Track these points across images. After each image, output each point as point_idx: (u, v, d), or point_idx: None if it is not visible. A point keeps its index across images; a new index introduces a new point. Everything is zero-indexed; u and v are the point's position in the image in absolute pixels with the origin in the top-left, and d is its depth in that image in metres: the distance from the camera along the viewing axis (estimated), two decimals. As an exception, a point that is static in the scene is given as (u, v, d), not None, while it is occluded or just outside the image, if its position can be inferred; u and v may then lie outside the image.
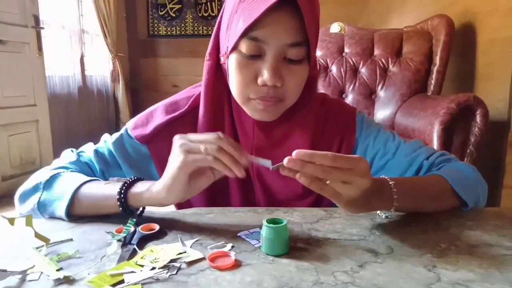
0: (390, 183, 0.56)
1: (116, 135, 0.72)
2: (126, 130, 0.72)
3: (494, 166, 1.62)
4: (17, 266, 0.44)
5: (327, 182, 0.48)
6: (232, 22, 0.62)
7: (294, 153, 0.47)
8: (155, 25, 4.26)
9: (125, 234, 0.52)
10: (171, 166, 0.55)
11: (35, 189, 0.62)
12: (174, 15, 4.23)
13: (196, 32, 4.24)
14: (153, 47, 4.29)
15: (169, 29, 4.25)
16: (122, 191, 0.57)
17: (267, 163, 0.53)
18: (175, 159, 0.54)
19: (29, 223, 0.51)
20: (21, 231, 0.55)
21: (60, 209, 0.59)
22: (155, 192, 0.56)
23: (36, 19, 2.55)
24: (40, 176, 0.64)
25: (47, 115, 2.73)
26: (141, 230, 0.54)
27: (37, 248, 0.49)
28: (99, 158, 0.70)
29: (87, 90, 3.60)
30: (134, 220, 0.56)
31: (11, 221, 0.50)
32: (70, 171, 0.66)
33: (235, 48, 0.62)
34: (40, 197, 0.61)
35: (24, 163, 2.54)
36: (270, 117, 0.66)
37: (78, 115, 3.46)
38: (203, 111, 0.69)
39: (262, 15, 0.56)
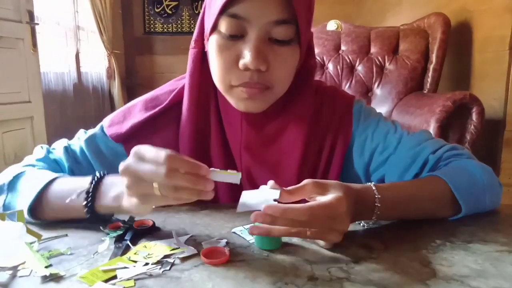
0: (373, 189, 0.51)
1: (90, 132, 0.67)
2: (102, 128, 0.66)
3: (489, 164, 1.62)
4: (8, 262, 0.44)
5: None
6: (212, 0, 0.56)
7: (264, 208, 0.42)
8: (151, 22, 4.24)
9: (121, 232, 0.51)
10: (132, 201, 0.46)
11: None
12: (170, 12, 4.21)
13: (192, 29, 4.19)
14: (149, 44, 4.26)
15: (165, 26, 4.23)
16: (88, 207, 0.51)
17: (234, 178, 0.45)
18: (133, 200, 0.46)
19: (21, 218, 0.51)
20: (13, 226, 0.54)
21: (25, 209, 0.53)
22: (124, 209, 0.49)
23: (31, 14, 2.53)
24: (5, 176, 0.59)
25: (42, 111, 2.71)
26: (134, 226, 0.53)
27: (30, 243, 0.49)
28: (69, 156, 0.64)
29: (82, 87, 3.58)
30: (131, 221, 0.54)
31: (2, 216, 0.50)
32: (37, 168, 0.60)
33: (214, 28, 0.56)
34: (5, 201, 0.55)
35: (19, 161, 2.49)
36: (256, 107, 0.59)
37: (73, 112, 3.44)
38: (187, 105, 0.63)
39: None
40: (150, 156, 0.44)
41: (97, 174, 0.53)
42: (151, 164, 0.43)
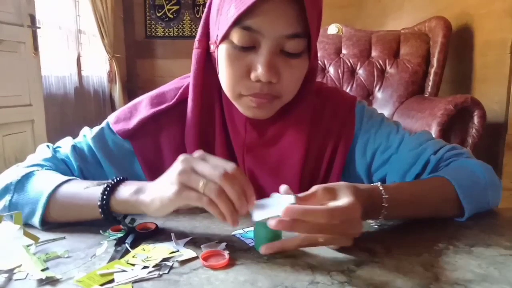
0: (381, 189, 0.52)
1: (96, 129, 0.66)
2: (108, 124, 0.66)
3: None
4: (4, 265, 0.43)
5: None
6: (223, 7, 0.55)
7: (285, 211, 0.42)
8: (153, 26, 4.25)
9: (122, 234, 0.51)
10: (163, 192, 0.47)
11: (5, 190, 0.56)
12: (171, 16, 4.22)
13: (193, 34, 4.23)
14: (150, 48, 4.28)
15: (166, 30, 4.25)
16: (105, 196, 0.51)
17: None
18: (169, 188, 0.46)
19: (18, 220, 0.50)
20: (10, 229, 0.53)
21: (35, 215, 0.53)
22: (141, 203, 0.49)
23: (32, 18, 2.53)
24: (11, 175, 0.58)
25: (43, 115, 2.71)
26: (137, 229, 0.53)
27: (27, 246, 0.48)
28: (77, 155, 0.63)
29: (83, 91, 3.58)
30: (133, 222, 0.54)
31: (-1, 218, 0.49)
32: (45, 169, 0.59)
33: (225, 37, 0.55)
34: (11, 200, 0.55)
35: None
36: (264, 115, 0.61)
37: (74, 116, 3.44)
38: (191, 105, 0.63)
39: (257, 1, 0.50)
40: (214, 160, 0.46)
41: (119, 177, 0.54)
42: (211, 166, 0.45)
